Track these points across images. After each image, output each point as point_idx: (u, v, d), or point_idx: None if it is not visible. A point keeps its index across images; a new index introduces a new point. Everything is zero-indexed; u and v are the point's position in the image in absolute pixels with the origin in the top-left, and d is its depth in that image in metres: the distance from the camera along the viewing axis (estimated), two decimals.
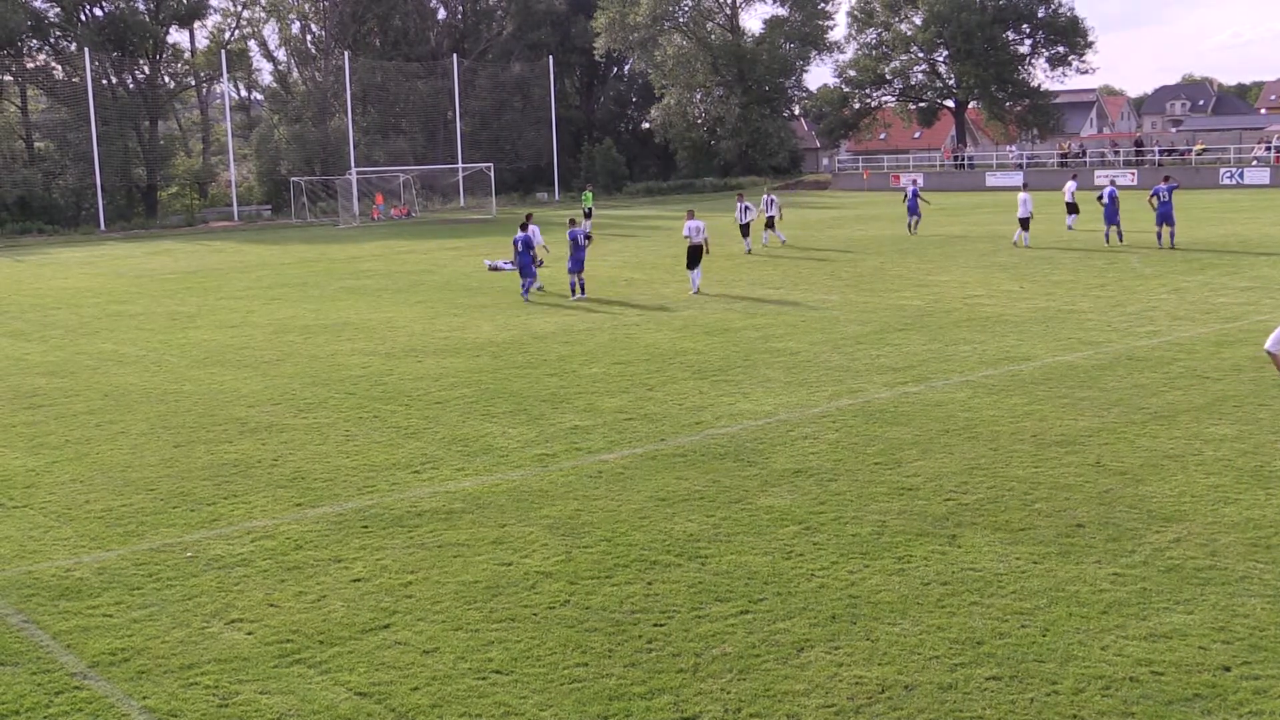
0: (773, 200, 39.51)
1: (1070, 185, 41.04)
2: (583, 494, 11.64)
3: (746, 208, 37.25)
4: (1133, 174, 67.68)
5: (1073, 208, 40.47)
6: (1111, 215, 34.60)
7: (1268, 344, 11.14)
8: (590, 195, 54.56)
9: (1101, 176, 69.66)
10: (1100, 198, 35.61)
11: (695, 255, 27.26)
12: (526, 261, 27.29)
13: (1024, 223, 35.54)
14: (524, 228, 27.60)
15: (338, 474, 12.71)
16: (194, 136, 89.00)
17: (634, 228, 52.23)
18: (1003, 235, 39.33)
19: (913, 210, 41.57)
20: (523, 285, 27.52)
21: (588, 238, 27.21)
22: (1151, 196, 33.49)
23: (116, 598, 9.30)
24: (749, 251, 36.37)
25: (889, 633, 8.14)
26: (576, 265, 27.08)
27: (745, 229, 37.08)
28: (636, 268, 33.71)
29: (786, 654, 7.87)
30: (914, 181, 46.82)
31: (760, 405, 15.25)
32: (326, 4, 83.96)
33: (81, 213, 69.71)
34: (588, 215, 51.12)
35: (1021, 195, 36.13)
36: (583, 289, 27.12)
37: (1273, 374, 15.93)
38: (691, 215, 28.65)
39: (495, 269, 34.15)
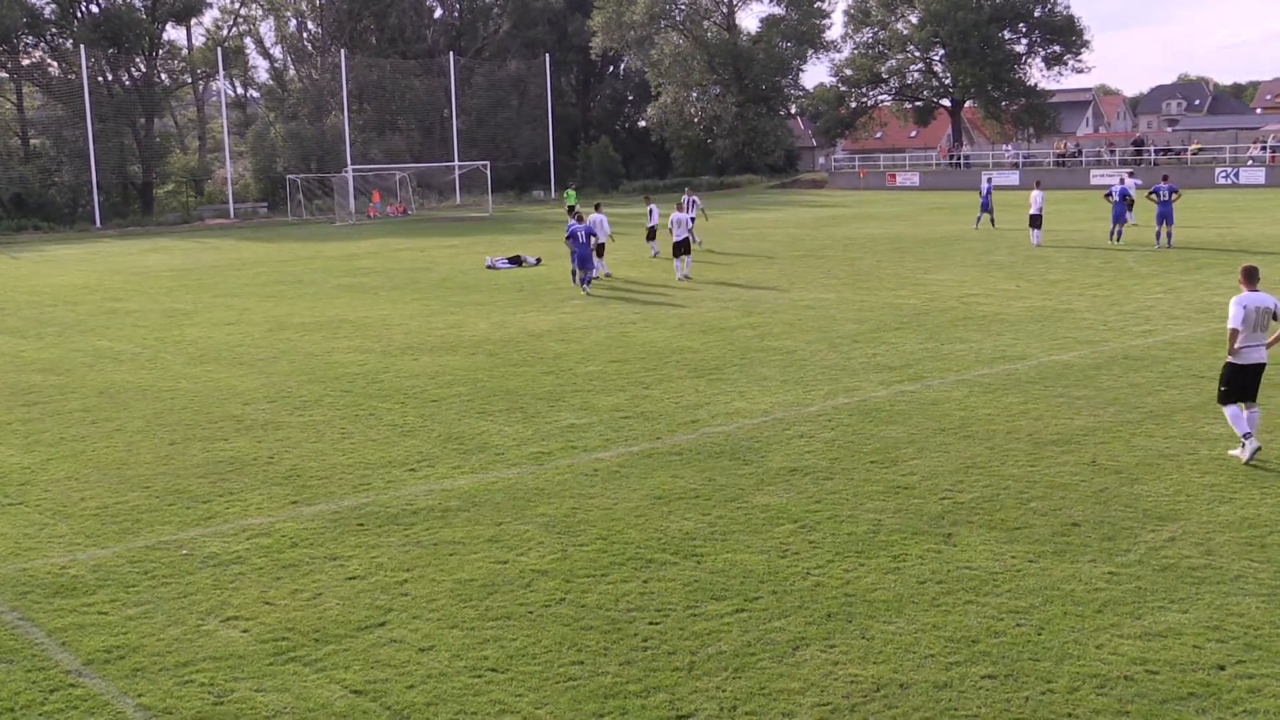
0: (693, 201, 37.06)
1: (1131, 181, 41.38)
2: (579, 492, 11.64)
3: (652, 210, 36.64)
4: (1128, 173, 67.72)
5: (1131, 204, 40.87)
6: (1120, 213, 34.65)
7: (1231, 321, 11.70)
8: (573, 194, 54.80)
9: (1097, 176, 69.85)
10: (1109, 194, 35.65)
11: (682, 245, 29.41)
12: (587, 253, 27.38)
13: (1035, 220, 34.95)
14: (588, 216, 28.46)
15: (334, 472, 12.71)
16: (190, 134, 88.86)
17: (630, 226, 52.16)
18: (1000, 234, 39.37)
19: (985, 206, 41.66)
20: (581, 278, 27.50)
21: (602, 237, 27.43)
22: (1151, 194, 33.58)
23: (112, 595, 9.29)
24: (655, 255, 35.54)
25: (884, 631, 8.15)
26: (583, 262, 27.33)
27: (652, 232, 36.32)
28: (633, 266, 33.67)
29: (782, 652, 7.88)
30: (988, 179, 46.15)
31: (756, 404, 15.26)
32: (323, 1, 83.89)
33: (77, 210, 69.64)
34: (571, 212, 51.39)
35: (1034, 193, 35.58)
36: (585, 284, 27.35)
37: (1267, 373, 15.96)
38: (680, 207, 30.58)
39: (493, 268, 34.06)
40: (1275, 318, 11.79)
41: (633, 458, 12.83)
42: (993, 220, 41.78)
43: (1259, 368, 11.83)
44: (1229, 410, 11.94)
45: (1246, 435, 11.79)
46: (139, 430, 14.96)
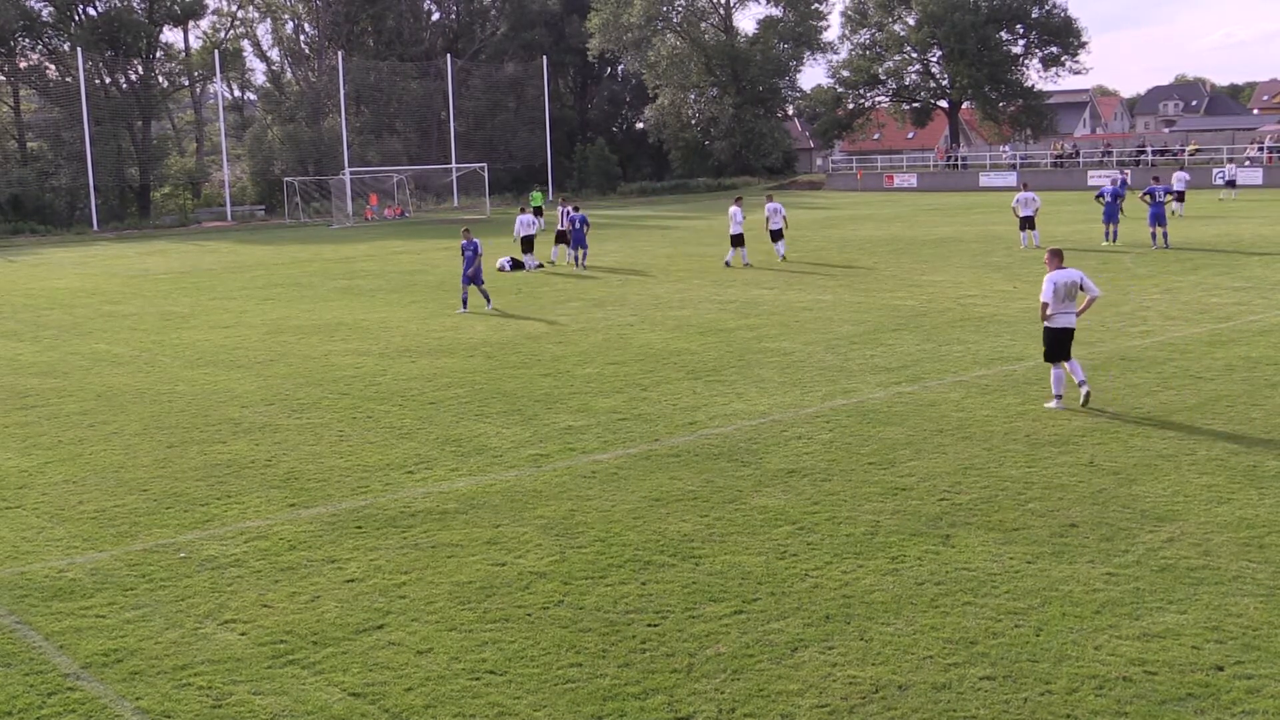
0: (566, 212, 35.84)
1: (1182, 175, 42.97)
2: (577, 494, 11.63)
3: (570, 213, 35.93)
4: (1126, 174, 67.79)
5: (1181, 196, 43.16)
6: (1112, 213, 34.55)
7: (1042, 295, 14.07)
8: (539, 195, 54.87)
9: (1095, 176, 69.90)
10: (1100, 195, 35.57)
11: (776, 234, 33.26)
12: (581, 234, 34.10)
13: (1027, 222, 34.48)
14: (576, 209, 34.84)
15: (331, 474, 12.70)
16: (188, 136, 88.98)
17: (628, 227, 52.21)
18: (997, 236, 39.38)
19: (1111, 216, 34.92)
20: (579, 257, 34.17)
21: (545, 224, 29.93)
22: (1144, 195, 33.54)
23: (109, 598, 9.28)
24: (571, 263, 34.69)
25: (883, 633, 8.14)
26: (468, 278, 25.72)
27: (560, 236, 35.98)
28: (630, 268, 33.69)
29: (780, 654, 7.88)
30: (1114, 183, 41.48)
31: (754, 405, 15.26)
32: (320, 4, 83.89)
33: (75, 213, 69.64)
34: (538, 213, 51.65)
35: (1026, 195, 34.88)
36: (465, 304, 25.79)
37: (1265, 373, 16.00)
38: (770, 198, 34.64)
39: (503, 270, 33.84)
40: (1082, 288, 14.08)
41: (630, 460, 12.83)
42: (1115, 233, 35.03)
43: (1069, 331, 14.13)
44: (1054, 372, 14.30)
45: (1059, 396, 14.21)
46: (136, 433, 14.95)
